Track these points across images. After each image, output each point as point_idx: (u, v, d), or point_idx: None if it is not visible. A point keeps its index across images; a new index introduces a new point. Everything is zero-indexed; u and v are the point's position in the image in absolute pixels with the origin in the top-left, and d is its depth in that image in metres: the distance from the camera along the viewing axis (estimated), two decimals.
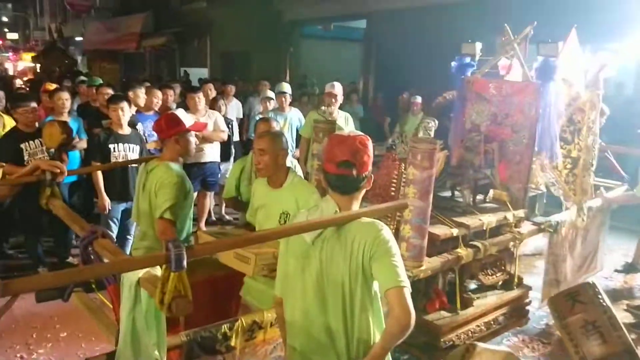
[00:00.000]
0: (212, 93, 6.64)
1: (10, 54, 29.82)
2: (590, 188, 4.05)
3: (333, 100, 5.34)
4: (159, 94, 5.74)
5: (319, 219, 1.85)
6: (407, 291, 1.74)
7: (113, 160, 4.39)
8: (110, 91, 5.59)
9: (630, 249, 5.53)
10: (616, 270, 5.28)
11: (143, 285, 1.77)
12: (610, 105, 4.43)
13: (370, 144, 1.89)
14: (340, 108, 5.50)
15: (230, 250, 2.36)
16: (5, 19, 37.32)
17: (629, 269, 5.28)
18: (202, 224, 6.01)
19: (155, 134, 3.57)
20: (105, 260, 2.00)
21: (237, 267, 2.42)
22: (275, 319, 2.23)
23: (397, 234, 2.77)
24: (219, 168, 5.95)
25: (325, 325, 1.88)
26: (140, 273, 1.78)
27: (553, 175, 3.98)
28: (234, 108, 7.53)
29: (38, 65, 18.94)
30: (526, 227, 3.59)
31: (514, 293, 3.46)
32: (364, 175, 1.87)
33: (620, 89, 8.17)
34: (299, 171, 3.58)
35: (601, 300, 1.78)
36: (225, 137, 5.70)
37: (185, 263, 1.56)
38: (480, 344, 1.66)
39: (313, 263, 1.89)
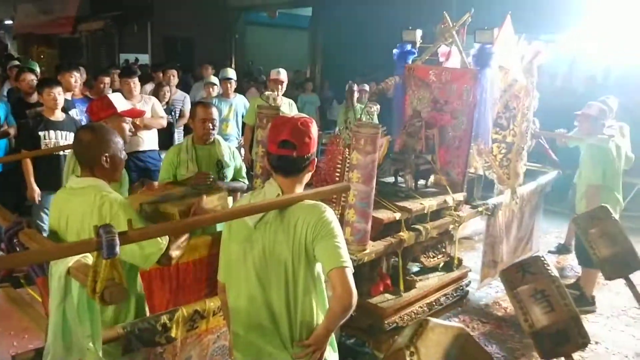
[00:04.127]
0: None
1: None
2: (522, 172, 4.22)
3: (279, 86, 5.29)
4: (76, 74, 5.33)
5: (261, 202, 1.82)
6: (350, 271, 1.75)
7: (44, 148, 4.16)
8: (32, 77, 5.24)
9: (563, 231, 5.85)
10: (549, 252, 5.55)
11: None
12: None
13: (313, 125, 1.87)
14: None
15: None
16: None
17: (561, 249, 5.58)
18: None
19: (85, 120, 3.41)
20: None
21: None
22: (218, 307, 2.19)
23: (342, 218, 2.77)
24: (159, 156, 5.74)
25: (268, 309, 1.86)
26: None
27: (488, 160, 4.12)
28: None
29: None
30: (465, 210, 3.70)
31: (454, 274, 3.56)
32: (305, 156, 1.85)
33: (553, 80, 8.56)
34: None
35: (550, 271, 1.87)
36: (164, 123, 5.49)
37: (118, 249, 1.49)
38: (433, 320, 1.69)
39: (256, 247, 1.86)
